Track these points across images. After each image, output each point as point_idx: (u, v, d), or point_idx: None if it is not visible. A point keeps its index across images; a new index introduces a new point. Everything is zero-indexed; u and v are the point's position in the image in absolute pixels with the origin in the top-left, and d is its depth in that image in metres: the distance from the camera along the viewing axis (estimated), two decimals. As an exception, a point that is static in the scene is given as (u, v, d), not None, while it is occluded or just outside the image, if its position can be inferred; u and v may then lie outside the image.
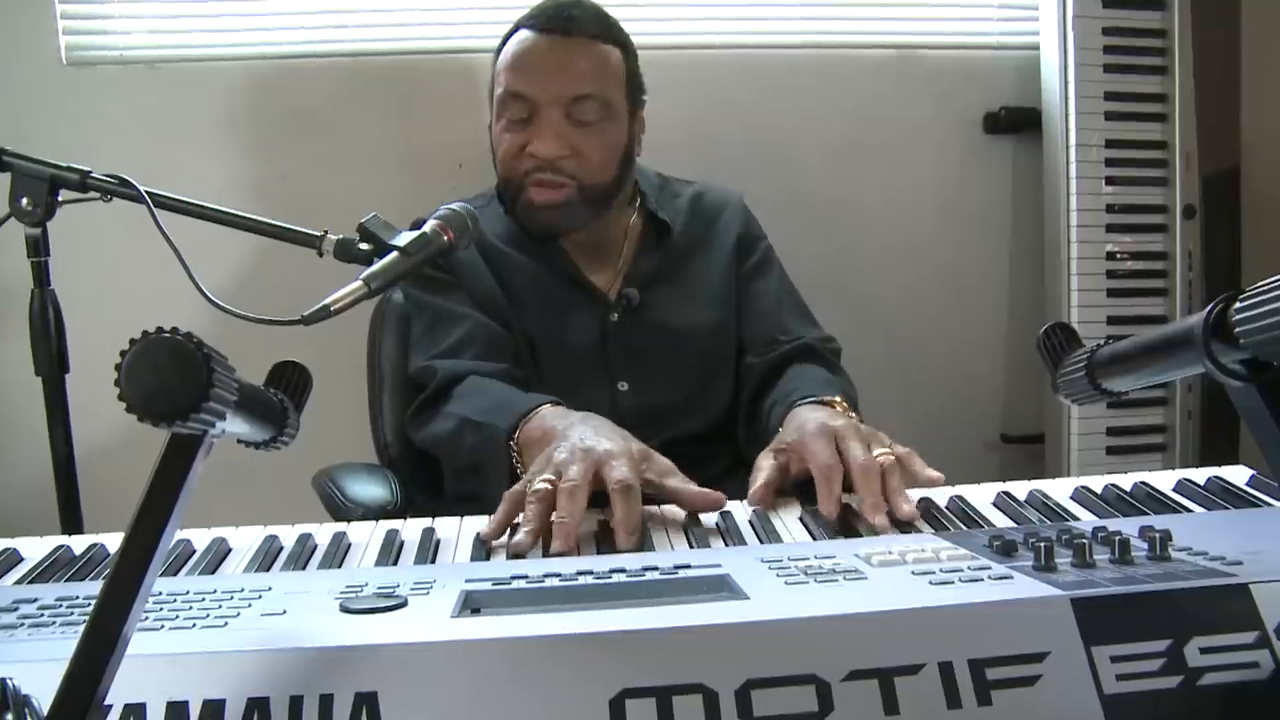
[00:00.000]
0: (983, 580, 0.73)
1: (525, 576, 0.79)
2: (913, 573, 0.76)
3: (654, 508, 1.11)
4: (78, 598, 0.79)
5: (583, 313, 1.62)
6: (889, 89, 2.51)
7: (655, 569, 0.80)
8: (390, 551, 0.99)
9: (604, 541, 1.02)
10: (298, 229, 1.33)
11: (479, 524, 1.07)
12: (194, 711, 0.62)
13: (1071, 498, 1.08)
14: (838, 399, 1.37)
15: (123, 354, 0.53)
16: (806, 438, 1.17)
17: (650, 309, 1.63)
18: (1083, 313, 2.32)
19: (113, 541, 1.04)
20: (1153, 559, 0.76)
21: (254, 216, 1.37)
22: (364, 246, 1.26)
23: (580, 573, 0.79)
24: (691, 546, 0.99)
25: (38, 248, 1.44)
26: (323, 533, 1.05)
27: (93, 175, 1.40)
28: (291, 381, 0.78)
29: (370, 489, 1.59)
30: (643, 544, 1.00)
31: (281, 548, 1.01)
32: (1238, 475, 1.11)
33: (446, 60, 2.38)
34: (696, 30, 2.46)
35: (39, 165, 1.40)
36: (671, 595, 0.74)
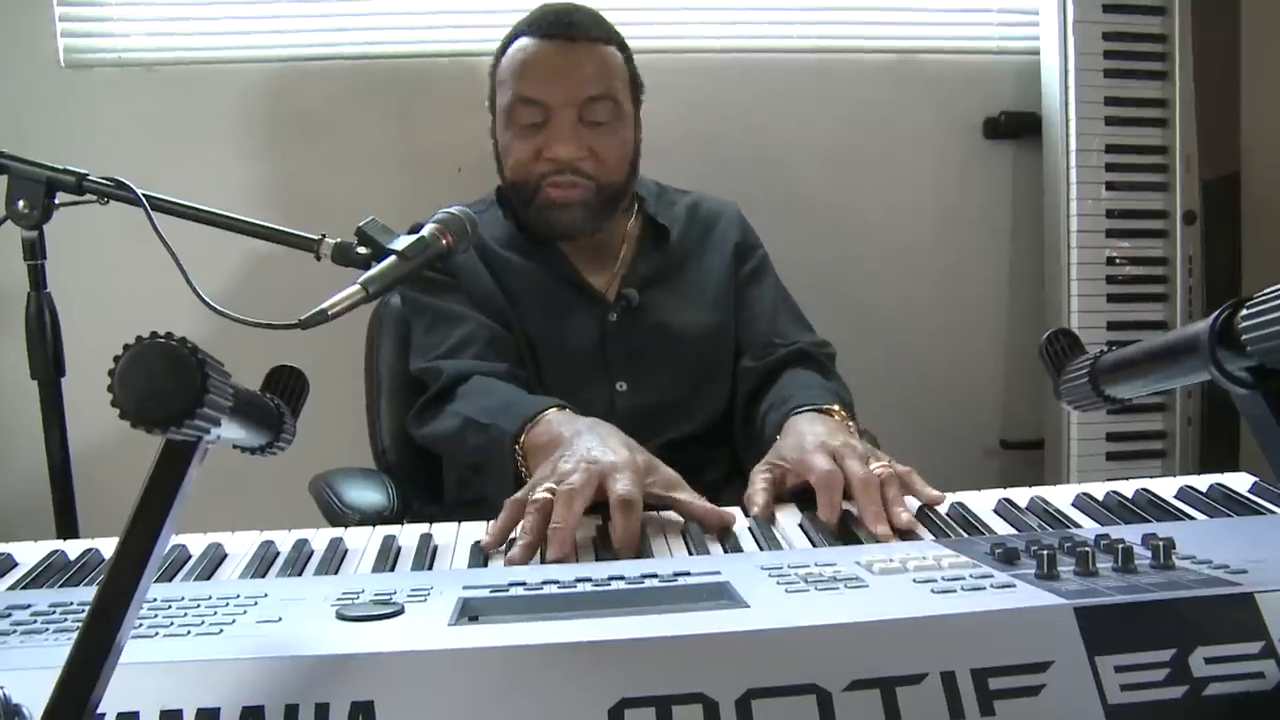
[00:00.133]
0: (985, 589, 0.72)
1: (523, 584, 0.78)
2: (914, 581, 0.75)
3: (652, 513, 1.11)
4: (72, 604, 0.78)
5: (582, 313, 1.63)
6: (889, 94, 2.51)
7: (654, 576, 0.79)
8: (387, 557, 0.98)
9: (603, 548, 1.01)
10: (295, 232, 1.32)
11: (477, 530, 1.07)
12: (188, 720, 0.62)
13: (1073, 504, 1.07)
14: (835, 406, 1.37)
15: (116, 359, 0.53)
16: (805, 455, 1.17)
17: (649, 310, 1.63)
18: (1083, 318, 2.32)
19: (108, 546, 1.03)
20: (1156, 567, 0.75)
21: (251, 220, 1.36)
22: (362, 250, 1.26)
23: (579, 580, 0.79)
24: (690, 553, 0.98)
25: (34, 250, 1.44)
26: (319, 538, 1.05)
27: (89, 178, 1.40)
28: (288, 386, 0.78)
29: (367, 494, 1.58)
30: (640, 551, 0.99)
31: (278, 553, 1.01)
32: (1240, 482, 1.10)
33: (446, 64, 2.37)
34: (695, 34, 2.45)
35: (35, 168, 1.39)
36: (671, 603, 0.73)
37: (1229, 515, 1.00)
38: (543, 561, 0.97)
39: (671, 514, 1.11)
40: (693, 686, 0.63)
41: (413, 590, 0.77)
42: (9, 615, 0.76)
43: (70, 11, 2.29)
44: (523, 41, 1.59)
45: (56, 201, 1.41)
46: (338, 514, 1.54)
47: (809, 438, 1.21)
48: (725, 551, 0.99)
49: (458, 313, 1.58)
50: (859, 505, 1.07)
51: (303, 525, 1.09)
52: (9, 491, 2.24)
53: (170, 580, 0.94)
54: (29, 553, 1.02)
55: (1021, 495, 1.11)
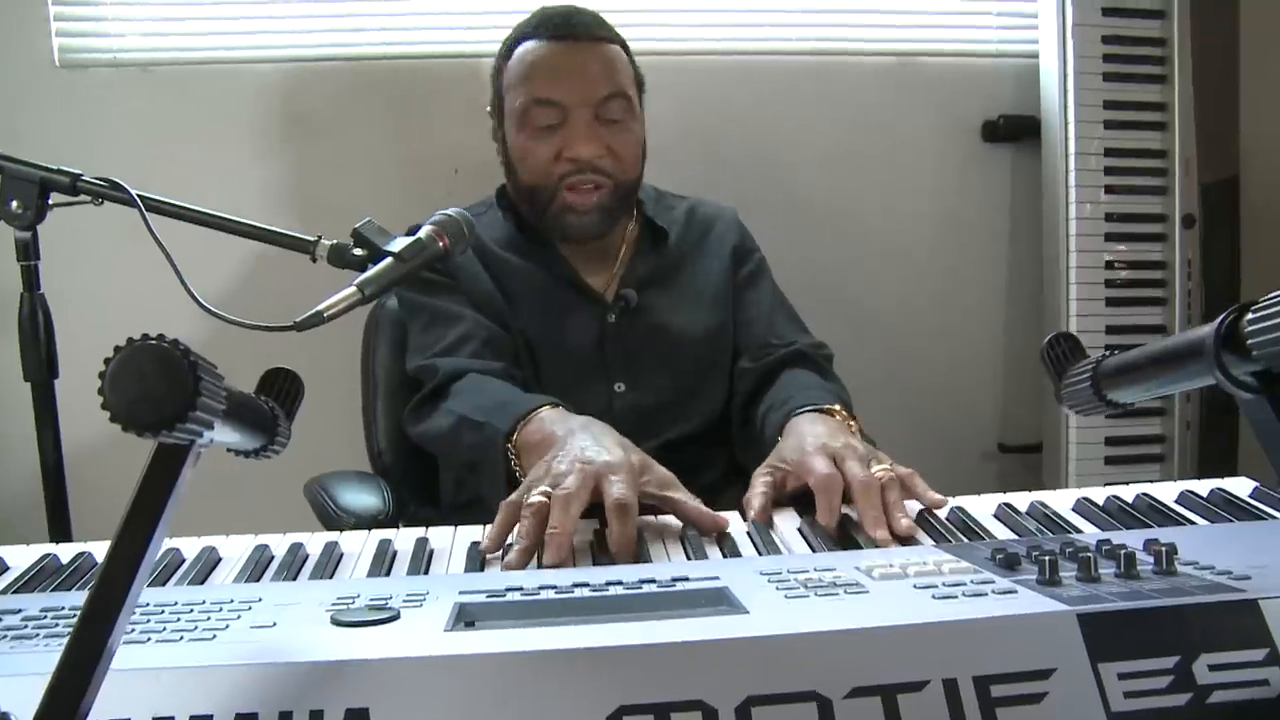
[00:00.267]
0: (986, 595, 0.71)
1: (520, 589, 0.77)
2: (914, 586, 0.75)
3: (650, 518, 1.10)
4: (63, 609, 0.77)
5: (580, 314, 1.63)
6: (887, 96, 2.50)
7: (652, 581, 0.78)
8: (383, 561, 0.97)
9: (600, 552, 1.00)
10: (291, 234, 1.32)
11: (473, 533, 1.06)
12: (180, 727, 0.61)
13: (1073, 509, 1.07)
14: (837, 407, 1.37)
15: (107, 361, 0.52)
16: (805, 457, 1.16)
17: (647, 311, 1.64)
18: (1081, 322, 2.32)
19: (100, 550, 1.02)
20: (1159, 573, 0.75)
21: (247, 221, 1.35)
22: (358, 252, 1.25)
23: (576, 584, 0.78)
24: (689, 557, 0.98)
25: (27, 251, 1.43)
26: (314, 542, 1.04)
27: (84, 178, 1.39)
28: (283, 389, 0.77)
29: (363, 498, 1.58)
30: (638, 556, 0.98)
31: (272, 557, 1.00)
32: (1240, 487, 1.09)
33: (443, 65, 2.37)
34: (695, 36, 2.45)
35: (29, 168, 1.39)
36: (669, 609, 0.73)
37: (1230, 520, 1.00)
38: (540, 566, 0.96)
39: (670, 519, 1.10)
40: (692, 693, 0.62)
41: (408, 595, 0.76)
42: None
43: (65, 11, 2.28)
44: (530, 44, 1.59)
45: (50, 202, 1.40)
46: (333, 518, 1.53)
47: (809, 439, 1.20)
48: (724, 556, 0.98)
49: (455, 312, 1.58)
50: (859, 509, 1.06)
51: (298, 529, 1.08)
52: (1, 494, 2.22)
53: (163, 584, 0.93)
54: (21, 556, 1.01)
55: (1021, 500, 1.10)
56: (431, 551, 1.01)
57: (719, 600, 0.74)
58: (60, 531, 1.49)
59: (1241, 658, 0.65)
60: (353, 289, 1.17)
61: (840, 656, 0.65)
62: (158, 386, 0.52)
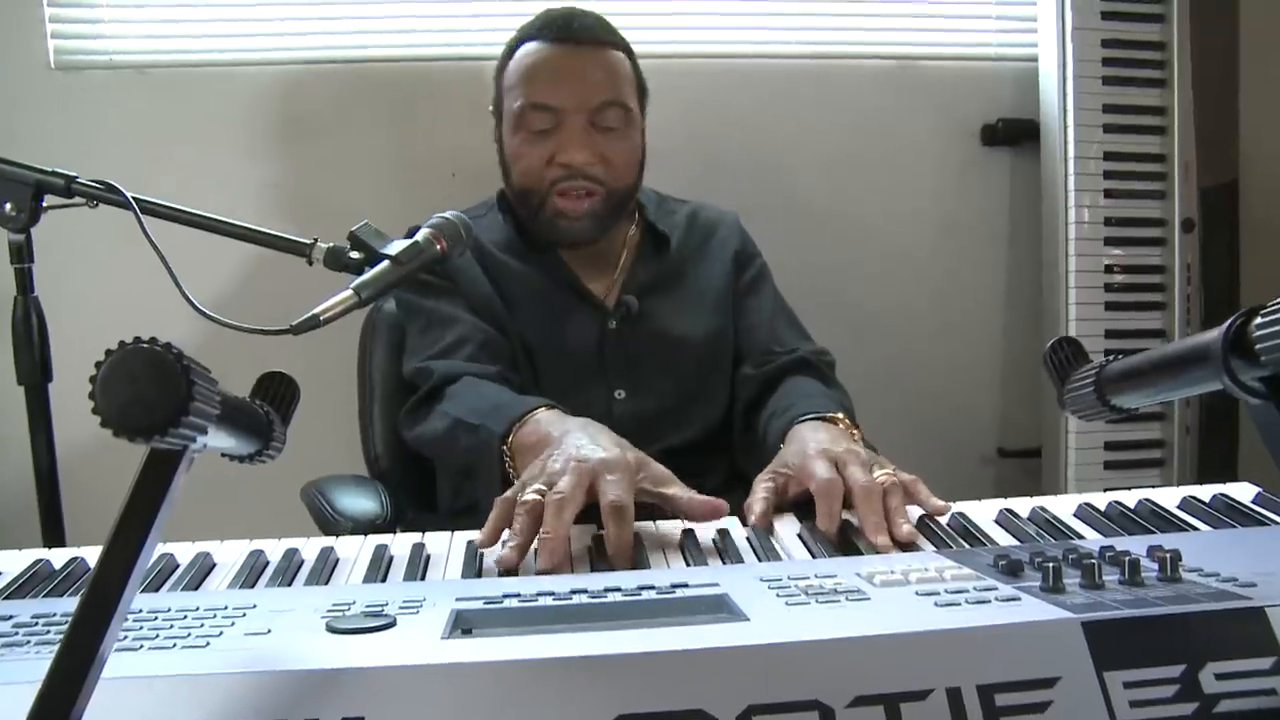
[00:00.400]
0: (990, 602, 0.71)
1: (518, 595, 0.77)
2: (917, 593, 0.74)
3: (649, 524, 1.09)
4: (55, 615, 0.76)
5: (581, 319, 1.62)
6: (887, 100, 2.50)
7: (652, 588, 0.77)
8: (379, 567, 0.96)
9: (599, 557, 0.99)
10: (287, 237, 1.31)
11: (470, 539, 1.05)
12: (172, 736, 0.60)
13: (1075, 515, 1.06)
14: (840, 415, 1.36)
15: (98, 365, 0.51)
16: (806, 461, 1.15)
17: (648, 317, 1.63)
18: (1081, 326, 2.31)
19: (94, 555, 1.01)
20: (1163, 580, 0.74)
21: (243, 224, 1.35)
22: (355, 255, 1.25)
23: (574, 591, 0.77)
24: (688, 564, 0.97)
25: (21, 254, 1.42)
26: (310, 547, 1.03)
27: (78, 181, 1.38)
28: (278, 393, 0.76)
29: (360, 502, 1.57)
30: (636, 562, 0.98)
31: (267, 563, 0.99)
32: (1243, 492, 1.09)
33: (440, 68, 2.36)
34: (695, 39, 2.45)
35: (23, 170, 1.38)
36: (669, 616, 0.72)
37: (1233, 526, 0.99)
38: (536, 572, 0.95)
39: (668, 524, 1.09)
40: (692, 702, 0.61)
41: (405, 601, 0.75)
42: (-10, 627, 0.74)
43: (61, 13, 2.27)
44: (531, 46, 1.59)
45: (45, 204, 1.39)
46: (330, 522, 1.53)
47: (811, 445, 1.20)
48: (724, 562, 0.97)
49: (452, 315, 1.57)
50: (859, 514, 1.06)
51: (294, 533, 1.07)
52: (-5, 497, 2.22)
53: (157, 590, 0.92)
54: (13, 561, 1.00)
55: (1022, 505, 1.09)
56: (428, 557, 1.00)
57: (719, 607, 0.73)
58: (53, 536, 1.48)
59: (1248, 666, 0.65)
60: (349, 292, 1.17)
61: (842, 665, 0.64)
62: (150, 391, 0.51)
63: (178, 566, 0.99)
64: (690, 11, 2.46)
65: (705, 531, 1.07)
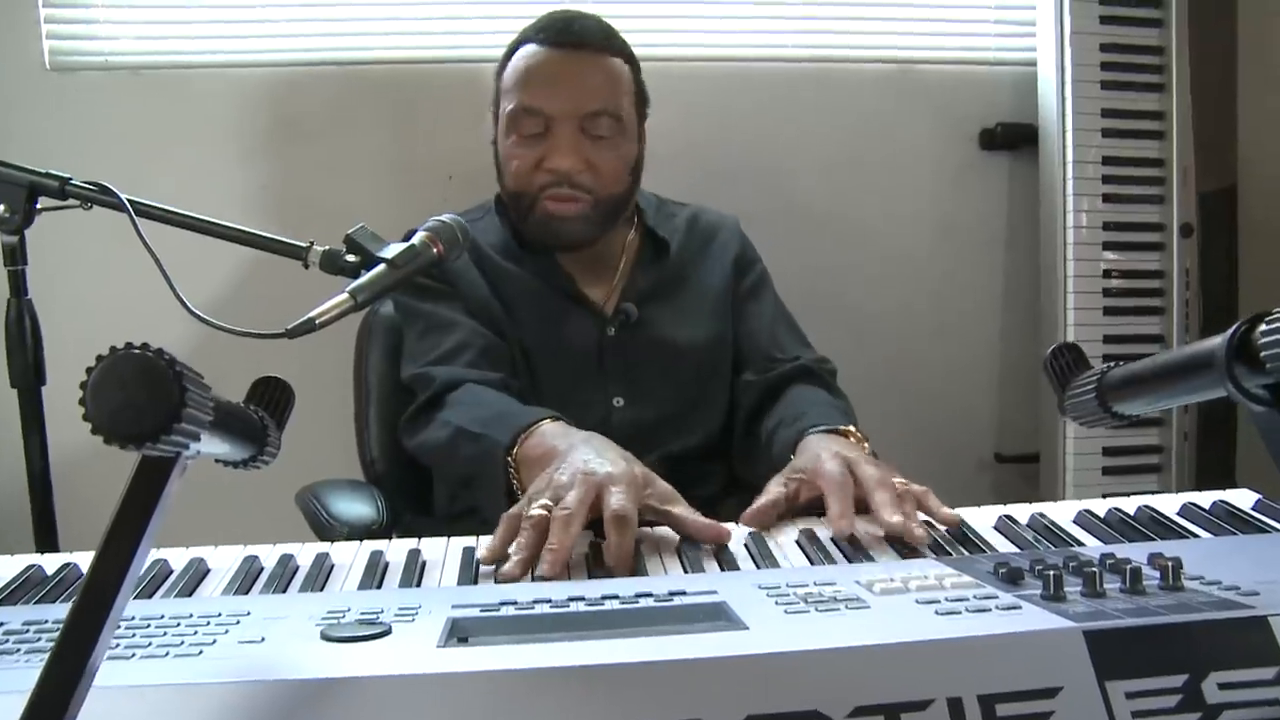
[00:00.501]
0: (990, 610, 0.70)
1: (514, 603, 0.76)
2: (916, 601, 0.73)
3: (646, 529, 1.08)
4: (46, 622, 0.76)
5: (579, 326, 1.61)
6: (885, 103, 2.50)
7: (649, 595, 0.77)
8: (374, 574, 0.95)
9: (597, 564, 0.99)
10: (283, 240, 1.30)
11: (467, 544, 1.04)
12: (164, 747, 0.59)
13: (1075, 521, 1.06)
14: (851, 428, 1.36)
15: (88, 371, 0.50)
16: (820, 464, 1.15)
17: (647, 324, 1.62)
18: (1079, 331, 2.30)
19: (87, 561, 0.99)
20: (1165, 589, 0.73)
21: (238, 226, 1.34)
22: (350, 258, 1.24)
23: (572, 599, 0.76)
24: (686, 570, 0.96)
25: (14, 256, 1.41)
26: (305, 553, 1.02)
27: (72, 182, 1.37)
28: (273, 398, 0.76)
29: (355, 507, 1.56)
30: (635, 570, 0.97)
31: (262, 569, 0.98)
32: (1242, 499, 1.08)
33: (437, 70, 2.35)
34: (693, 42, 2.44)
35: (17, 171, 1.37)
36: (667, 624, 0.71)
37: (1234, 533, 0.99)
38: (533, 577, 0.94)
39: (665, 530, 1.09)
40: (691, 712, 0.61)
41: (400, 609, 0.75)
42: (-20, 634, 0.73)
43: (55, 13, 2.26)
44: (529, 48, 1.58)
45: (39, 206, 1.38)
46: (325, 527, 1.52)
47: (824, 452, 1.19)
48: (721, 569, 0.97)
49: (452, 320, 1.56)
50: (872, 502, 1.05)
51: (289, 538, 1.07)
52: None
53: (150, 597, 0.91)
54: (5, 567, 0.99)
55: (1022, 512, 1.09)
56: (424, 563, 0.99)
57: (717, 616, 0.73)
58: (46, 541, 1.47)
59: (1252, 676, 0.64)
60: (345, 295, 1.16)
61: (843, 674, 0.63)
62: (140, 397, 0.50)
63: (171, 572, 0.98)
64: (690, 15, 2.45)
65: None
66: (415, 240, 1.25)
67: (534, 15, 1.64)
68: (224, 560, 1.01)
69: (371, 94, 2.35)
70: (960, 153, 2.53)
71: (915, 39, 2.50)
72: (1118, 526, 1.02)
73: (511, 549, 0.98)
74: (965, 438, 2.59)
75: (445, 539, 1.06)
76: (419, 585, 0.94)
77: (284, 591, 0.92)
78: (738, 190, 2.25)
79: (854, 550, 1.00)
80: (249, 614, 0.76)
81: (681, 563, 0.99)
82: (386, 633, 0.69)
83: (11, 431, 1.46)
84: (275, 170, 2.33)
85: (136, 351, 0.51)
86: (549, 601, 0.76)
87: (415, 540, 1.05)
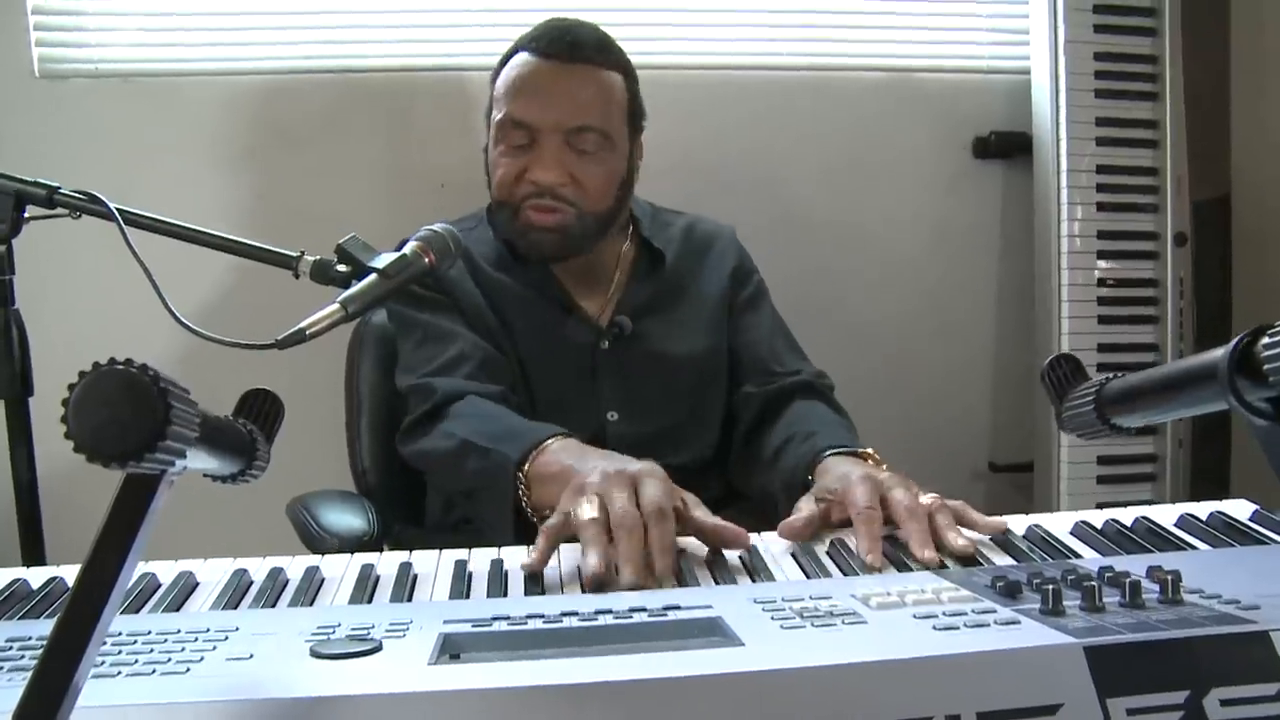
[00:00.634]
0: (989, 626, 0.69)
1: (507, 618, 0.75)
2: (914, 616, 0.72)
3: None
4: (31, 639, 0.74)
5: (573, 339, 1.60)
6: (880, 112, 2.50)
7: (643, 610, 0.76)
8: (365, 588, 0.94)
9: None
10: (273, 249, 1.29)
11: (458, 558, 1.03)
12: (149, 768, 0.58)
13: (1071, 533, 1.05)
14: (871, 451, 1.33)
15: (71, 388, 0.49)
16: (850, 487, 1.12)
17: (642, 338, 1.60)
18: (1073, 339, 2.30)
19: (73, 574, 0.98)
20: (1165, 602, 0.73)
21: (228, 236, 1.33)
22: (341, 268, 1.23)
23: (565, 613, 0.75)
24: (680, 583, 0.95)
25: (2, 265, 1.40)
26: (295, 566, 1.01)
27: (61, 191, 1.36)
28: (261, 410, 0.75)
29: (346, 518, 1.55)
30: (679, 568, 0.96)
31: (251, 582, 0.97)
32: (1240, 510, 1.07)
33: (429, 78, 2.35)
34: (689, 51, 2.44)
35: (5, 180, 1.36)
36: (662, 640, 0.70)
37: (1232, 545, 0.98)
38: (585, 587, 0.93)
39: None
40: (686, 731, 0.60)
41: (391, 624, 0.74)
42: (-37, 651, 0.72)
43: (45, 21, 2.25)
44: (522, 57, 1.56)
45: (26, 215, 1.37)
46: (316, 538, 1.50)
47: (854, 473, 1.16)
48: (716, 582, 0.96)
49: (451, 330, 1.55)
50: (905, 532, 1.03)
51: (280, 550, 1.05)
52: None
53: (137, 611, 0.90)
54: (-10, 581, 0.98)
55: (1018, 524, 1.08)
56: (415, 576, 0.98)
57: (712, 631, 0.72)
58: (33, 554, 1.46)
59: (1254, 692, 0.63)
60: (336, 306, 1.15)
61: (840, 692, 0.62)
62: (124, 413, 0.49)
63: (159, 586, 0.96)
64: (686, 24, 2.45)
65: (700, 547, 1.05)
66: (407, 250, 1.23)
67: (528, 24, 1.62)
68: (213, 573, 0.99)
69: (363, 102, 2.34)
70: (954, 161, 2.53)
71: (910, 48, 2.51)
72: (1115, 538, 1.01)
73: (593, 558, 0.95)
74: (959, 447, 2.59)
75: (437, 552, 1.05)
76: (410, 599, 0.93)
77: (273, 606, 0.91)
78: (730, 199, 2.25)
79: (849, 563, 0.99)
80: (237, 629, 0.75)
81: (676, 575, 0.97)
82: (377, 649, 0.68)
83: (-2, 442, 1.45)
84: (266, 179, 2.32)
85: (120, 367, 0.50)
86: (541, 617, 0.75)
87: (406, 553, 1.04)
